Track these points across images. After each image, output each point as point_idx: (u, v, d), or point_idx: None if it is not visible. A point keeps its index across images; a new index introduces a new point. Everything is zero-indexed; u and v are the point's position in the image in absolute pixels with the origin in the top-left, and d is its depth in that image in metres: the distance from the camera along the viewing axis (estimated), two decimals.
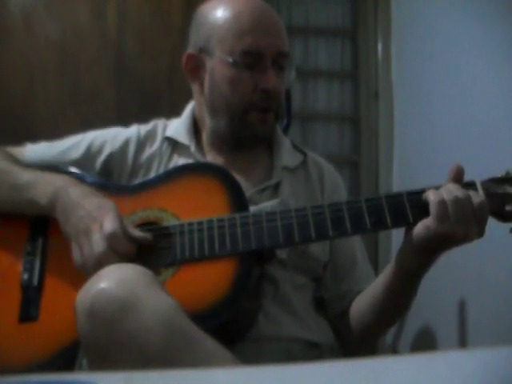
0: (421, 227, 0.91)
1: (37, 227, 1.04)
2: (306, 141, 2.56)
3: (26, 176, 1.04)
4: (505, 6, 1.52)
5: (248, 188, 1.08)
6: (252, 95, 1.07)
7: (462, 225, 0.89)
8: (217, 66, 1.09)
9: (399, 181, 2.38)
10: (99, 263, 0.90)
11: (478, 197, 0.91)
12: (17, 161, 1.11)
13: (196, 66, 1.13)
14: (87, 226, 0.93)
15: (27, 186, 1.02)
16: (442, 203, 0.90)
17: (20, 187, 1.03)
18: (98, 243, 0.91)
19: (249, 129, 1.10)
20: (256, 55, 1.06)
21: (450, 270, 1.57)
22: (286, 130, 2.06)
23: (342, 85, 2.65)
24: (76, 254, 0.94)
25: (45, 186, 1.01)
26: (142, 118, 1.23)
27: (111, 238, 0.91)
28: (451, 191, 0.91)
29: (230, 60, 1.06)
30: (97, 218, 0.94)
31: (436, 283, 1.44)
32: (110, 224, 0.92)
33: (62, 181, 1.02)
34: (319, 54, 2.64)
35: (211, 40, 1.09)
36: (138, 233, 0.95)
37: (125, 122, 1.23)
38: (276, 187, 1.12)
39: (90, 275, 0.85)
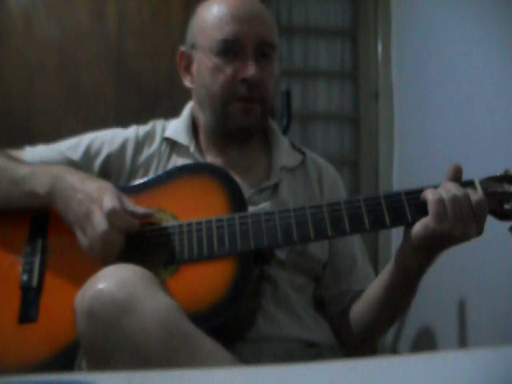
0: (419, 226, 0.91)
1: (36, 228, 1.04)
2: (306, 141, 2.56)
3: (23, 170, 1.04)
4: (505, 6, 1.52)
5: (246, 189, 1.07)
6: (232, 85, 1.07)
7: (461, 223, 0.89)
8: (201, 58, 1.11)
9: (399, 181, 2.38)
10: (105, 242, 0.91)
11: (476, 195, 0.91)
12: (14, 158, 1.11)
13: (188, 63, 1.15)
14: (88, 209, 0.93)
15: (25, 179, 1.02)
16: (441, 202, 0.89)
17: (18, 181, 1.03)
18: (99, 222, 0.91)
19: (231, 120, 1.09)
20: (235, 43, 1.07)
21: (450, 270, 1.57)
22: (285, 130, 2.06)
23: (342, 85, 2.65)
24: (81, 239, 0.94)
25: (42, 177, 1.01)
26: (142, 118, 1.23)
27: (111, 215, 0.91)
28: (449, 190, 0.91)
29: (211, 50, 1.08)
30: (96, 199, 0.93)
31: (436, 283, 1.44)
32: (108, 201, 0.92)
33: (58, 170, 1.02)
34: (319, 53, 2.64)
35: (197, 35, 1.12)
36: (140, 209, 0.95)
37: (125, 122, 1.23)
38: (275, 188, 1.12)
39: (99, 257, 0.87)
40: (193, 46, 1.13)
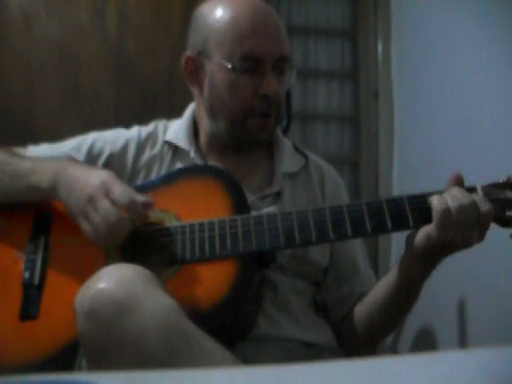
0: (422, 236, 0.91)
1: (39, 226, 1.04)
2: (307, 141, 2.56)
3: (25, 164, 1.04)
4: (505, 6, 1.52)
5: (249, 194, 1.07)
6: (251, 100, 1.06)
7: (465, 232, 0.88)
8: (216, 71, 1.07)
9: (399, 181, 2.38)
10: (113, 231, 0.91)
11: (485, 206, 0.89)
12: (16, 153, 1.11)
13: (195, 69, 1.11)
14: (90, 195, 0.93)
15: (28, 173, 1.02)
16: (446, 211, 0.88)
17: (21, 175, 1.03)
18: (107, 211, 0.90)
19: (248, 134, 1.09)
20: (255, 60, 1.04)
21: (450, 271, 1.56)
22: (286, 131, 2.06)
23: (342, 85, 2.65)
24: (84, 226, 0.94)
25: (45, 170, 1.01)
26: (142, 119, 1.23)
27: (129, 205, 0.90)
28: (456, 197, 0.89)
29: (229, 65, 1.05)
30: (99, 186, 0.93)
31: (436, 283, 1.44)
32: (117, 188, 0.92)
33: (60, 163, 1.03)
34: (319, 53, 2.64)
35: (210, 43, 1.07)
36: (141, 197, 0.94)
37: (125, 122, 1.23)
38: (277, 194, 1.11)
39: (105, 242, 0.89)
40: (202, 54, 1.09)
